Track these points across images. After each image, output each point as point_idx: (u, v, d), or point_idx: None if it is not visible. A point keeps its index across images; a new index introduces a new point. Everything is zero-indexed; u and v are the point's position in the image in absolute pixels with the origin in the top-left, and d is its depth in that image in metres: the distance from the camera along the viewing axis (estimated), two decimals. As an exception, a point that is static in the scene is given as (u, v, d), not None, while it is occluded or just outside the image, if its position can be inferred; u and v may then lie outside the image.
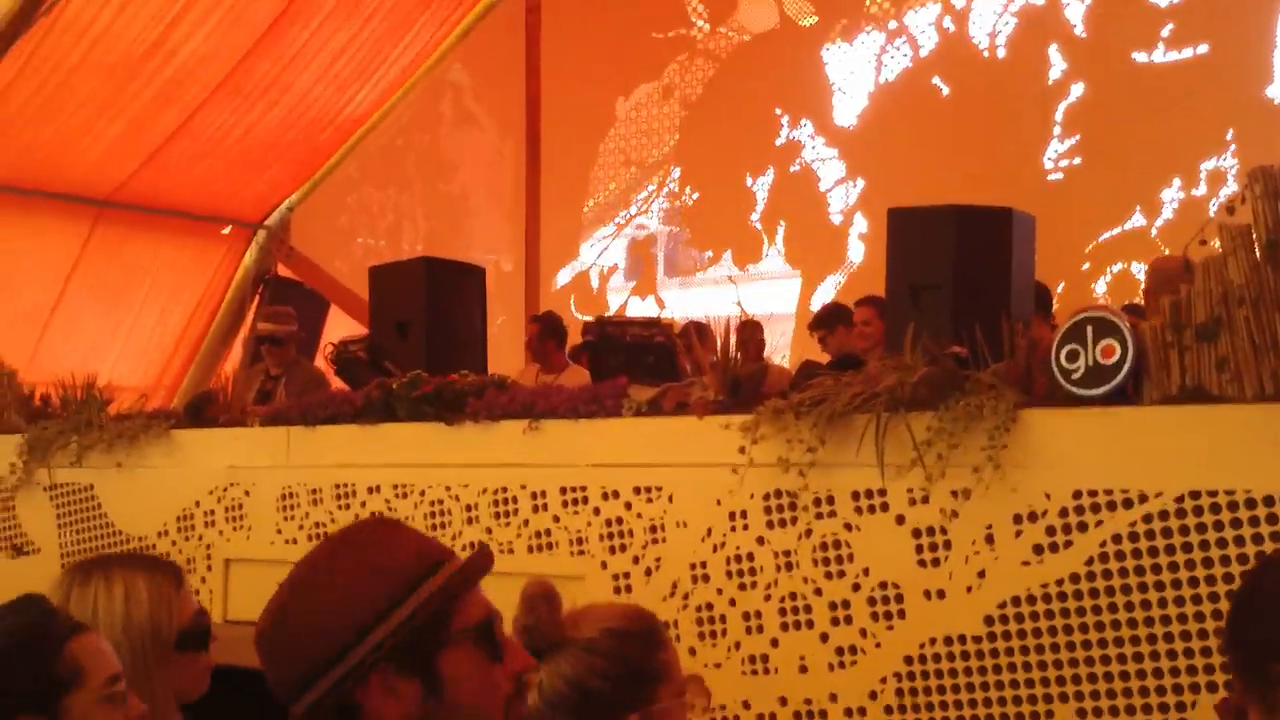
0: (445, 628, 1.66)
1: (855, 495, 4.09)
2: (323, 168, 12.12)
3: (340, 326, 10.31)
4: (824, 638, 4.11)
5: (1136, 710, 3.56)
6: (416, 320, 6.42)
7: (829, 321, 7.26)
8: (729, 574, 4.31)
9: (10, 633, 2.52)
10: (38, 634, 2.53)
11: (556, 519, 4.79)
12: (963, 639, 3.84)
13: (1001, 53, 9.40)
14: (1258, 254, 3.67)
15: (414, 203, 12.36)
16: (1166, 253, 7.77)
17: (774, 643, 4.21)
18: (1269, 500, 3.42)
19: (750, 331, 7.04)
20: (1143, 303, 6.54)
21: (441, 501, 5.12)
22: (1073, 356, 3.87)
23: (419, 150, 12.33)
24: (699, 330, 6.32)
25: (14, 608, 2.59)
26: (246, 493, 5.73)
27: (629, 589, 4.54)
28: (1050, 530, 3.71)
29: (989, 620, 3.80)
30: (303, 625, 1.66)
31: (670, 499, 4.51)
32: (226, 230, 12.08)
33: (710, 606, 4.35)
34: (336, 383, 6.66)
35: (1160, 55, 8.66)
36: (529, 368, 8.25)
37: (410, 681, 1.65)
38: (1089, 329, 3.86)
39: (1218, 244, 3.77)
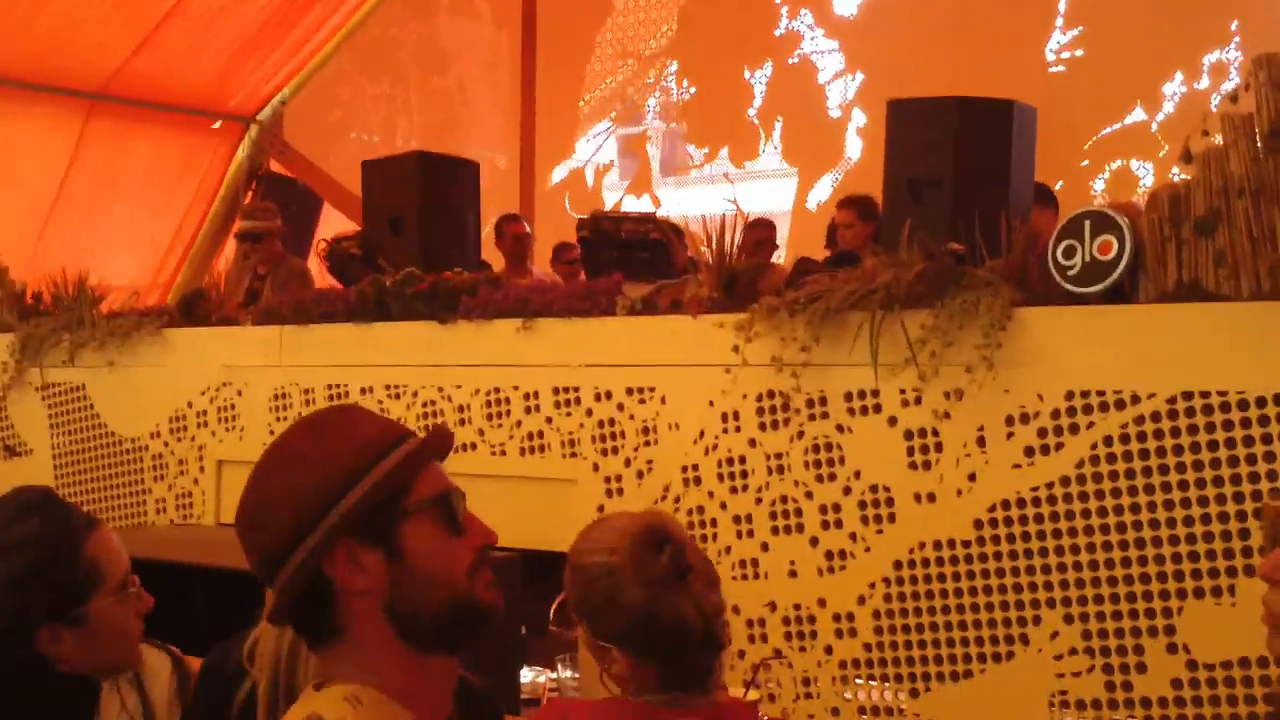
0: (404, 501, 1.71)
1: (848, 396, 4.07)
2: (315, 58, 11.93)
3: (335, 223, 10.23)
4: (814, 542, 4.11)
5: (1124, 615, 3.56)
6: (410, 216, 6.34)
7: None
8: (720, 477, 4.31)
9: (36, 539, 2.49)
10: (60, 539, 2.51)
11: (549, 420, 4.77)
12: (952, 543, 3.84)
13: (1005, -60, 9.21)
14: (1259, 144, 3.60)
15: (408, 96, 12.20)
16: (1164, 150, 7.69)
17: (764, 547, 4.21)
18: (1261, 401, 3.39)
19: (763, 231, 6.91)
20: (1141, 200, 6.44)
21: (434, 402, 5.10)
22: (1069, 253, 3.83)
23: (413, 41, 12.13)
24: (675, 229, 6.22)
25: (27, 506, 2.56)
26: (239, 393, 5.71)
27: (620, 492, 4.53)
28: (1042, 432, 3.69)
29: (978, 524, 3.79)
30: (270, 505, 1.72)
31: (663, 400, 4.49)
32: (217, 124, 11.94)
33: (701, 510, 4.35)
34: (326, 279, 6.61)
35: (1166, -57, 8.49)
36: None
37: (373, 552, 1.69)
38: (1086, 224, 3.81)
39: (1219, 137, 3.70)
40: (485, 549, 1.76)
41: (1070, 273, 3.80)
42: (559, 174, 11.25)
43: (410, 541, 1.70)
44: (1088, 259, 3.78)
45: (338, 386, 5.39)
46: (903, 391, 3.96)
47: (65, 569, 2.49)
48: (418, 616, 1.69)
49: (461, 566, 1.72)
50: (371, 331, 5.38)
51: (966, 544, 3.82)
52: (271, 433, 5.55)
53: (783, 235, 9.81)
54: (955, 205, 4.76)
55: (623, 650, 2.43)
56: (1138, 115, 8.48)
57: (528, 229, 8.52)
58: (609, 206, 10.73)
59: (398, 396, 5.22)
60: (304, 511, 1.69)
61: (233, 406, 5.72)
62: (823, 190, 9.68)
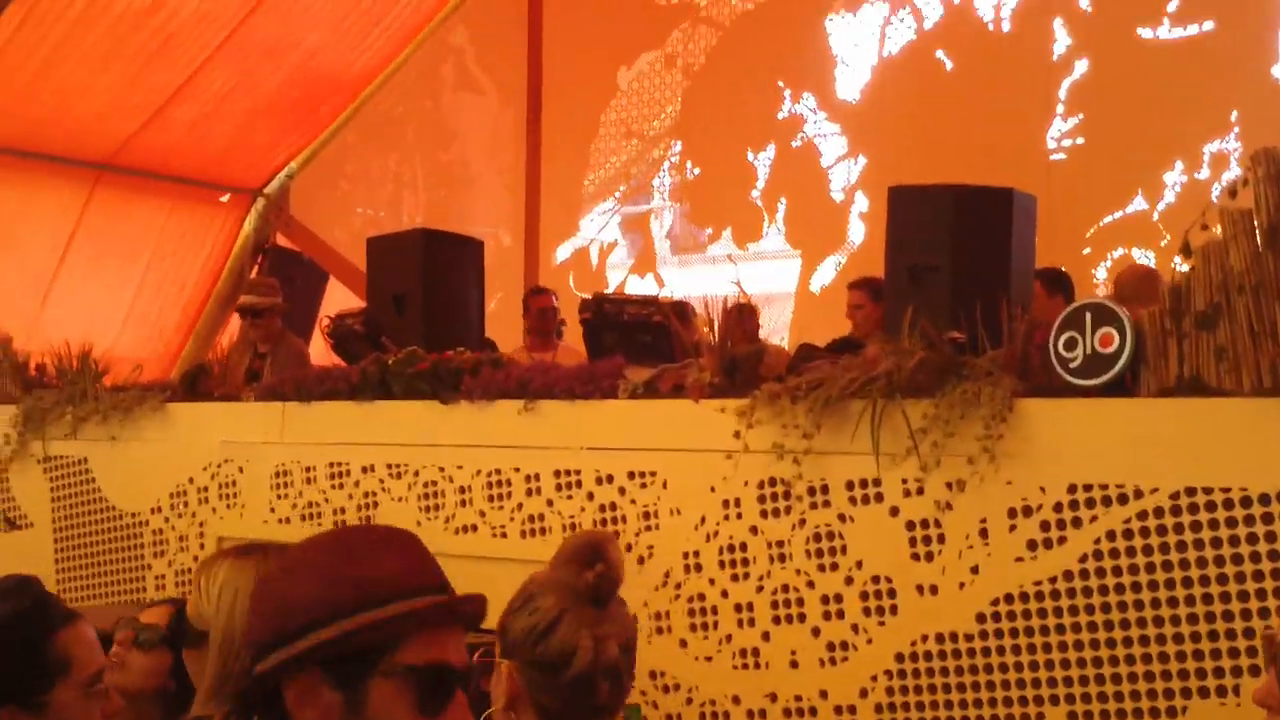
0: (385, 657, 1.65)
1: (850, 485, 4.07)
2: (323, 133, 12.03)
3: (340, 298, 10.27)
4: (816, 632, 4.09)
5: (1128, 714, 3.54)
6: (413, 293, 6.37)
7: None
8: (721, 564, 4.30)
9: (3, 620, 2.50)
10: (31, 621, 2.52)
11: (550, 503, 4.77)
12: (955, 636, 3.82)
13: (1006, 26, 9.30)
14: (1259, 240, 3.62)
15: (414, 172, 12.28)
16: (1166, 240, 7.73)
17: (765, 636, 4.19)
18: (1264, 499, 3.39)
19: (744, 315, 6.96)
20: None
21: (435, 483, 5.10)
22: (1071, 345, 3.85)
23: (419, 117, 12.23)
24: (679, 310, 6.25)
25: (7, 591, 2.58)
26: (240, 469, 5.71)
27: (621, 577, 4.51)
28: (1044, 525, 3.69)
29: (981, 617, 3.78)
30: (267, 599, 1.70)
31: (664, 485, 4.49)
32: (225, 198, 12.02)
33: (702, 597, 4.33)
34: (329, 356, 6.62)
35: (1166, 32, 8.57)
36: (524, 341, 8.20)
37: (334, 694, 1.64)
38: (1087, 316, 3.83)
39: (1219, 230, 3.73)
40: None
41: (1072, 365, 3.81)
42: (563, 252, 11.30)
43: (375, 700, 1.64)
44: (1089, 351, 3.79)
45: (339, 465, 5.39)
46: (904, 481, 3.96)
47: (29, 655, 2.50)
48: None
49: None
50: (374, 410, 5.38)
51: (969, 637, 3.80)
52: (272, 510, 5.55)
53: (785, 318, 9.86)
54: (955, 292, 4.79)
55: (511, 669, 2.17)
56: (1139, 204, 8.53)
57: (555, 303, 8.46)
58: (613, 285, 10.77)
59: (399, 476, 5.21)
60: (287, 622, 1.66)
61: (234, 483, 5.72)
62: (826, 273, 9.72)
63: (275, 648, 1.66)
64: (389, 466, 5.25)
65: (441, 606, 1.70)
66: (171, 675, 2.96)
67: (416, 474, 5.16)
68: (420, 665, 1.65)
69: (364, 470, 5.32)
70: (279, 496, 5.55)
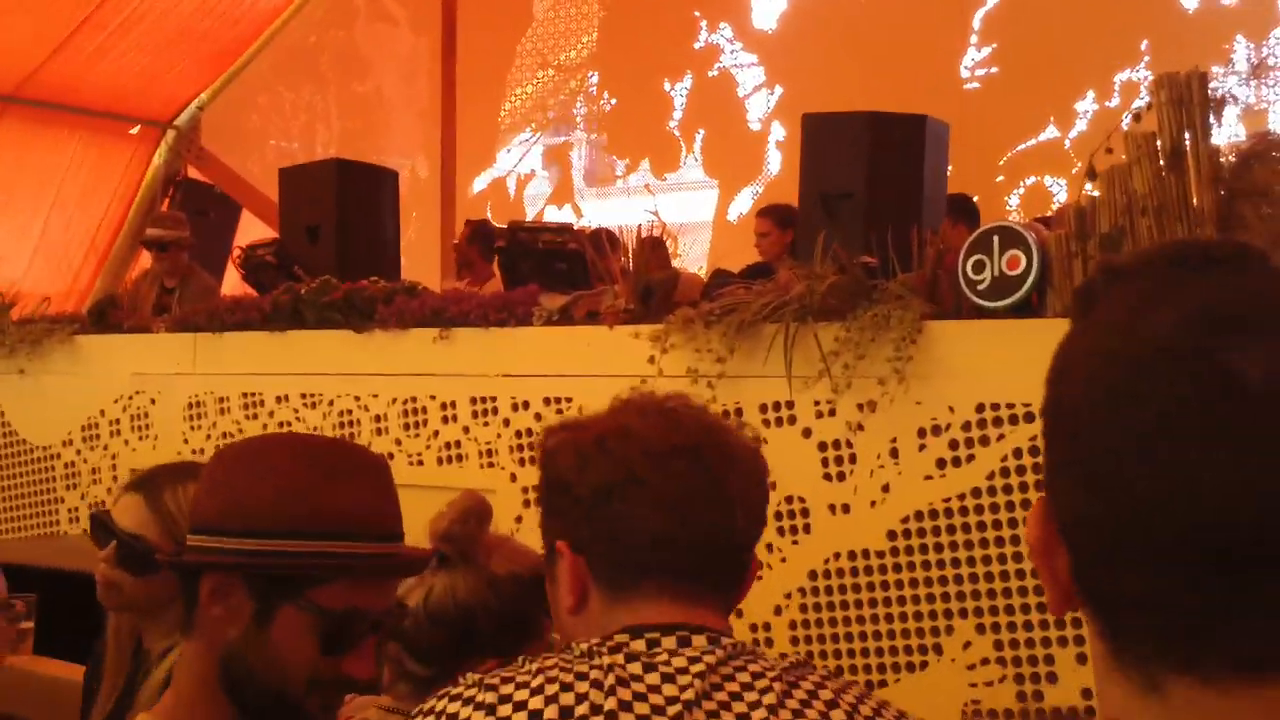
0: (304, 589, 1.64)
1: (763, 408, 4.11)
2: (234, 64, 11.83)
3: (253, 231, 10.13)
4: (730, 551, 4.13)
5: (1035, 625, 3.62)
6: (327, 224, 6.31)
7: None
8: (635, 486, 4.31)
9: None
10: None
11: (466, 430, 4.77)
12: (866, 553, 3.88)
13: (922, -45, 9.34)
14: (1161, 162, 3.68)
15: (327, 103, 12.11)
16: (1076, 167, 7.80)
17: (681, 554, 4.22)
18: (1166, 413, 3.46)
19: (659, 243, 6.99)
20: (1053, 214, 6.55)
21: (350, 411, 5.08)
22: (979, 267, 3.89)
23: (333, 48, 12.05)
24: (609, 238, 6.25)
25: None
26: (152, 401, 5.65)
27: (538, 503, 4.52)
28: (953, 444, 3.74)
29: (892, 535, 3.84)
30: (220, 489, 1.68)
31: (580, 410, 4.46)
32: (135, 130, 11.80)
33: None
34: (242, 287, 6.55)
35: (1078, -38, 8.65)
36: (459, 275, 8.12)
37: (247, 601, 1.65)
38: (995, 239, 3.88)
39: (1124, 155, 3.78)
40: (346, 681, 1.68)
41: (979, 287, 3.86)
42: (480, 183, 11.22)
43: (281, 623, 1.64)
44: (996, 274, 3.84)
45: (253, 395, 5.35)
46: (817, 403, 4.00)
47: None
48: (242, 682, 1.65)
49: (303, 676, 1.64)
50: (286, 339, 5.35)
51: (880, 554, 3.86)
52: (185, 441, 5.50)
53: (703, 247, 9.88)
54: (868, 219, 4.83)
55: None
56: (1051, 132, 8.63)
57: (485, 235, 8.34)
58: (531, 216, 10.72)
59: (313, 405, 5.19)
60: (229, 514, 1.66)
61: (146, 415, 5.66)
62: (744, 202, 9.74)
63: (210, 534, 1.67)
64: (303, 396, 5.22)
65: (379, 559, 1.69)
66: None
67: (331, 403, 5.14)
68: (334, 610, 1.64)
69: (278, 400, 5.28)
70: (192, 427, 5.51)
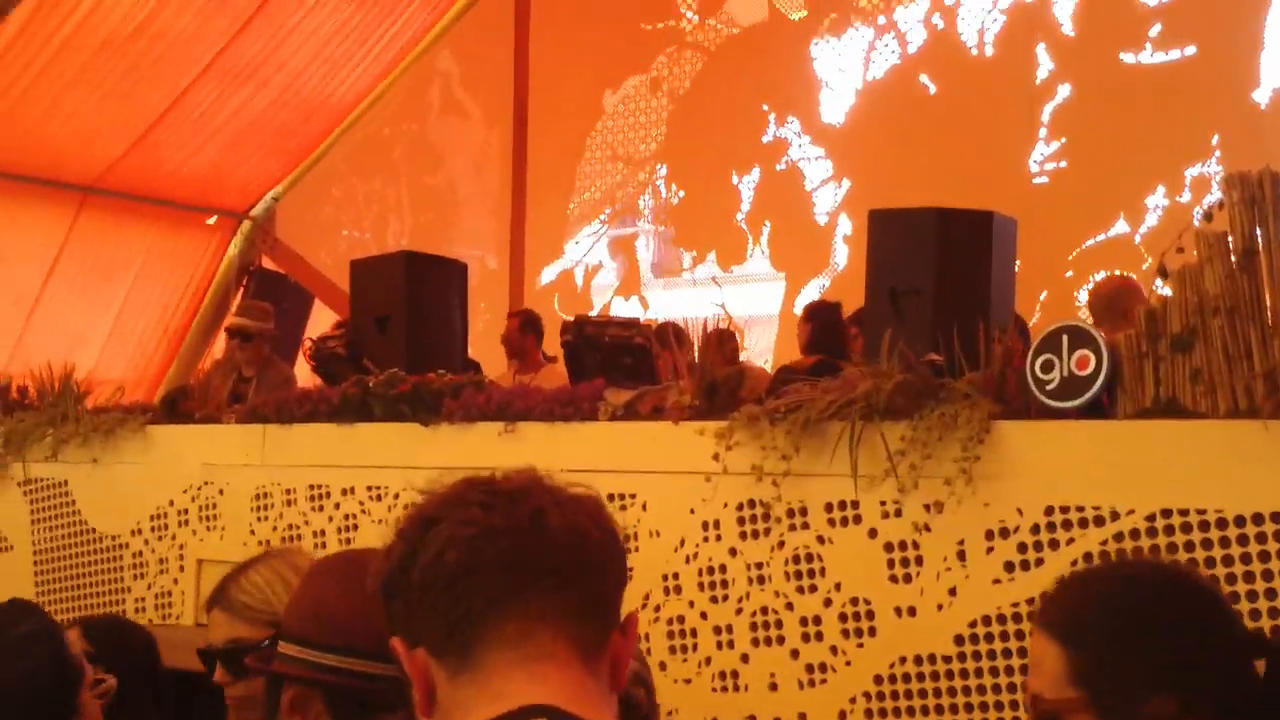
0: (380, 715, 1.65)
1: (828, 506, 4.07)
2: (309, 157, 12.06)
3: (325, 322, 10.26)
4: (794, 654, 4.08)
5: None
6: (397, 315, 6.36)
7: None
8: (701, 586, 4.29)
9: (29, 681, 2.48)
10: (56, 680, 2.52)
11: (529, 525, 4.75)
12: (933, 658, 3.82)
13: (989, 50, 9.35)
14: (1233, 262, 3.64)
15: (400, 195, 12.29)
16: (1147, 263, 7.74)
17: (744, 658, 4.18)
18: (1240, 520, 3.40)
19: (725, 338, 7.04)
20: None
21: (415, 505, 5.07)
22: (1048, 367, 3.85)
23: (405, 140, 12.25)
24: (675, 332, 6.27)
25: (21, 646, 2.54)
26: (220, 491, 5.70)
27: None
28: (1022, 547, 3.69)
29: (959, 639, 3.77)
30: (309, 599, 1.73)
31: (644, 506, 4.48)
32: (212, 220, 12.02)
33: (682, 619, 4.32)
34: (313, 381, 6.61)
35: (1148, 56, 8.62)
36: (509, 365, 8.21)
37: (326, 715, 1.68)
38: (1064, 339, 3.84)
39: (1195, 253, 3.75)
40: None
41: (1048, 387, 3.82)
42: (548, 275, 11.31)
43: None
44: (1065, 374, 3.81)
45: (319, 487, 5.38)
46: (883, 503, 3.96)
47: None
48: None
49: None
50: (354, 432, 5.38)
51: (947, 659, 3.80)
52: (252, 532, 5.54)
53: (769, 340, 9.87)
54: (935, 316, 4.80)
55: None
56: (1121, 228, 8.57)
57: (527, 324, 8.46)
58: (598, 307, 10.78)
59: (379, 498, 5.20)
60: (318, 628, 1.69)
61: (214, 505, 5.70)
62: (810, 296, 9.72)
63: (298, 643, 1.69)
64: (369, 489, 5.24)
65: None
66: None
67: (396, 496, 5.15)
68: None
69: (344, 492, 5.31)
70: (259, 519, 5.54)
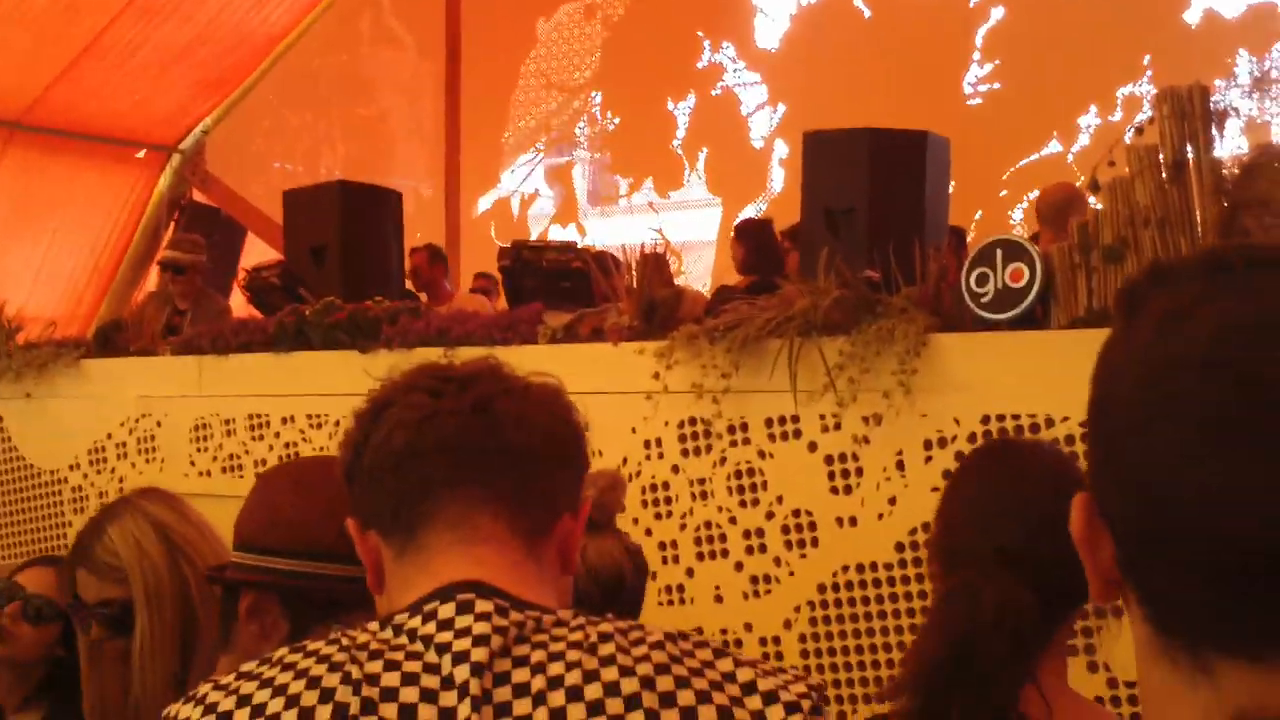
0: (339, 613, 1.68)
1: (769, 422, 4.10)
2: (238, 89, 11.89)
3: (258, 254, 10.16)
4: (739, 566, 4.13)
5: (1039, 632, 3.61)
6: (331, 245, 6.31)
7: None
8: (644, 503, 4.32)
9: None
10: None
11: (471, 447, 4.76)
12: (874, 566, 3.87)
13: (923, -26, 9.38)
14: (1163, 175, 3.69)
15: (331, 126, 12.17)
16: (1079, 181, 7.82)
17: (689, 572, 4.23)
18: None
19: (661, 261, 7.07)
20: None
21: (356, 431, 5.07)
22: (982, 280, 3.89)
23: (336, 71, 12.11)
24: (601, 262, 6.28)
25: None
26: (158, 423, 5.65)
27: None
28: (959, 456, 3.73)
29: (900, 546, 3.83)
30: (263, 507, 1.75)
31: (586, 427, 4.49)
32: (141, 154, 11.84)
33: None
34: (247, 309, 6.56)
35: (1079, -22, 8.68)
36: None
37: (282, 622, 1.70)
38: (998, 252, 3.88)
39: (1127, 168, 3.79)
40: None
41: (983, 300, 3.86)
42: (484, 204, 11.26)
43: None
44: (1000, 286, 3.84)
45: (259, 416, 5.35)
46: (822, 417, 4.00)
47: None
48: None
49: None
50: (291, 360, 5.35)
51: (889, 566, 3.85)
52: (192, 463, 5.51)
53: (707, 264, 9.90)
54: (871, 234, 4.83)
55: None
56: (1054, 147, 8.66)
57: (435, 256, 8.47)
58: (534, 236, 10.75)
59: (319, 426, 5.19)
60: (272, 533, 1.73)
61: (152, 437, 5.66)
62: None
63: (252, 551, 1.72)
64: (309, 417, 5.22)
65: None
66: (60, 643, 2.87)
67: (337, 424, 5.13)
68: None
69: (284, 421, 5.28)
70: (199, 449, 5.51)
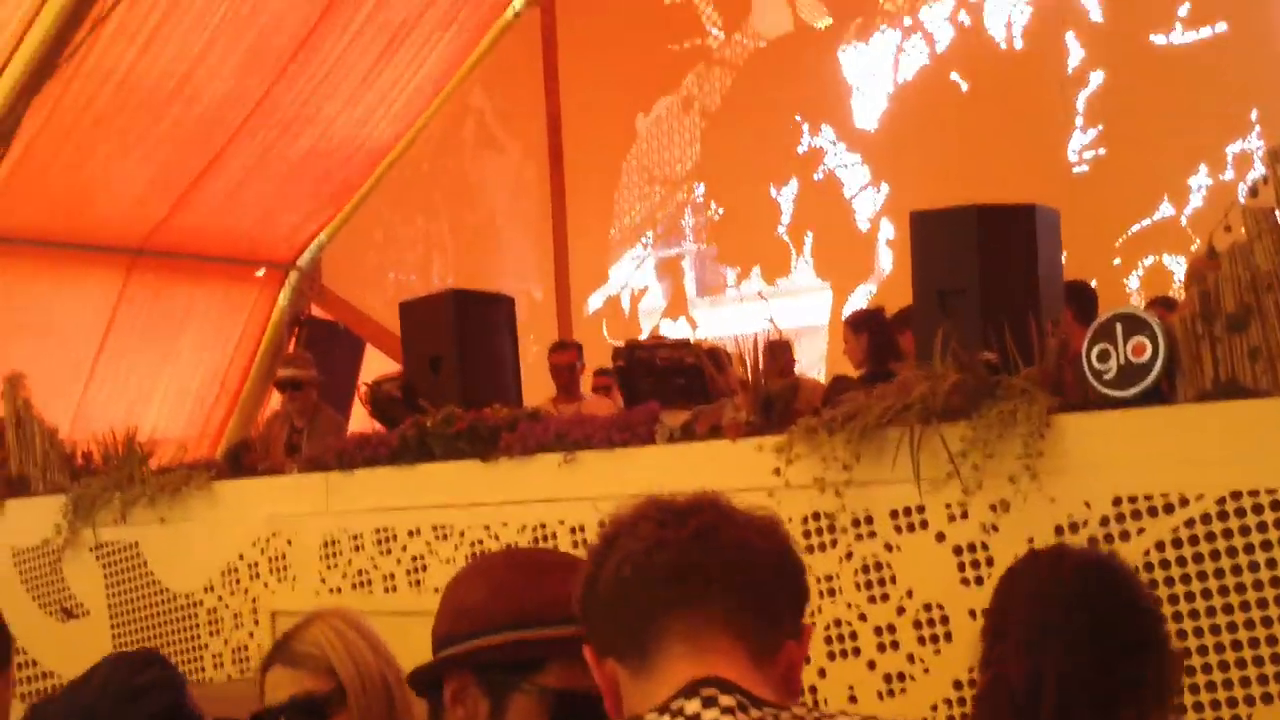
0: (528, 675, 1.78)
1: (894, 513, 4.06)
2: (350, 202, 12.18)
3: (378, 365, 10.33)
4: (871, 665, 4.07)
5: (1191, 724, 3.50)
6: (448, 354, 6.38)
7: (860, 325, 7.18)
8: (771, 602, 4.27)
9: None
10: None
11: (596, 553, 4.75)
12: (1011, 658, 3.78)
13: (1019, 43, 9.33)
14: (1281, 237, 3.61)
15: (442, 232, 12.38)
16: (1196, 245, 7.68)
17: (821, 673, 4.17)
18: (1312, 496, 3.36)
19: (777, 352, 7.04)
20: (1178, 295, 6.44)
21: (481, 541, 5.11)
22: (1104, 356, 3.82)
23: (444, 178, 12.35)
24: (713, 356, 6.27)
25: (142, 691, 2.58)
26: (289, 542, 5.74)
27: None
28: (1093, 540, 3.65)
29: (1036, 636, 3.74)
30: (447, 603, 1.88)
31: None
32: (260, 273, 12.15)
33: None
34: (370, 423, 6.65)
35: (1179, 36, 8.57)
36: (555, 398, 8.24)
37: (483, 699, 1.79)
38: (1118, 327, 3.81)
39: (1244, 230, 3.72)
40: None
41: (1106, 377, 3.79)
42: (595, 302, 11.35)
43: (514, 713, 1.77)
44: (1123, 362, 3.77)
45: (385, 530, 5.41)
46: (948, 506, 3.94)
47: None
48: None
49: None
50: (415, 473, 5.41)
51: (1025, 658, 3.76)
52: (323, 580, 5.57)
53: (820, 350, 9.86)
54: (985, 314, 4.76)
55: None
56: (1165, 210, 8.51)
57: (576, 358, 8.53)
58: (646, 330, 10.80)
59: (445, 537, 5.23)
60: (457, 622, 1.83)
61: (283, 556, 5.75)
62: (859, 303, 9.72)
63: (444, 645, 1.83)
64: (434, 528, 5.27)
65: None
66: None
67: (462, 534, 5.17)
68: (558, 689, 1.76)
69: (410, 534, 5.34)
70: (328, 566, 5.58)
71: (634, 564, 1.51)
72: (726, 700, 1.38)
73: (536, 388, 8.04)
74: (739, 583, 1.50)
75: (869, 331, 6.84)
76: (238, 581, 5.89)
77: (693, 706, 1.39)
